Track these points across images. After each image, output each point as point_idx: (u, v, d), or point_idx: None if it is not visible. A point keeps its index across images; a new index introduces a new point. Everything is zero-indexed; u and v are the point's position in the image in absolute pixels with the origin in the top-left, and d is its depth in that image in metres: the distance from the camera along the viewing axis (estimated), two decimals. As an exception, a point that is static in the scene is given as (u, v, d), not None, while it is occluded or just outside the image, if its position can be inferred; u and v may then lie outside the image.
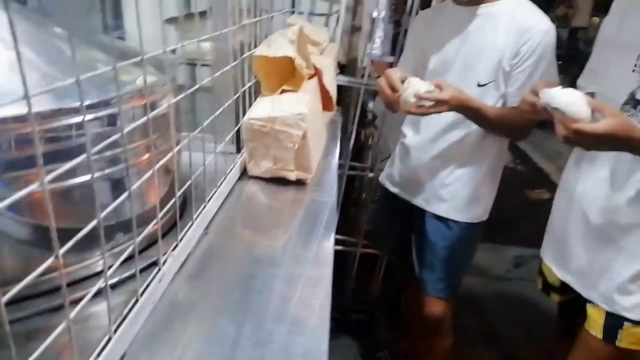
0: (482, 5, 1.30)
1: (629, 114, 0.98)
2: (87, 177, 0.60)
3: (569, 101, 0.90)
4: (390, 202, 1.65)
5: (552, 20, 1.30)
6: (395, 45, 1.99)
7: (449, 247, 1.50)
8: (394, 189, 1.62)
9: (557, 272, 1.27)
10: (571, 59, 6.48)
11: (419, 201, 1.53)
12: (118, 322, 0.55)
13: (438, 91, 1.16)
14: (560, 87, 0.94)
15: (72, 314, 0.44)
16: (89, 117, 0.60)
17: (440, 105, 1.17)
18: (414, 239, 1.59)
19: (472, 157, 1.42)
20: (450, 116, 1.31)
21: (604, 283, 1.12)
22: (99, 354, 0.50)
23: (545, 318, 1.33)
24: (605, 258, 1.11)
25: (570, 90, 0.92)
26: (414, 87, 1.15)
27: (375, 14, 1.94)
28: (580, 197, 1.15)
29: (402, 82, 1.18)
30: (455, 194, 1.46)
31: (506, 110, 1.32)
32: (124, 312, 0.57)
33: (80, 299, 0.49)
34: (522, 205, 3.75)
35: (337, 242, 2.15)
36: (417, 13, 1.80)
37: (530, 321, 2.36)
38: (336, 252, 2.14)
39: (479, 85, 1.32)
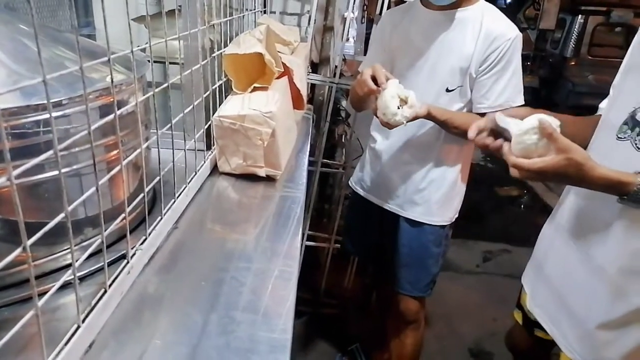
0: (451, 10, 1.31)
1: (624, 135, 0.92)
2: (54, 173, 0.62)
3: (521, 129, 0.86)
4: (361, 206, 1.65)
5: (521, 21, 1.33)
6: (368, 44, 2.03)
7: (425, 249, 1.53)
8: (365, 194, 1.63)
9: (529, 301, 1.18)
10: (539, 59, 6.71)
11: (392, 206, 1.55)
12: (86, 311, 0.57)
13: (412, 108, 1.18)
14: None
15: (40, 303, 0.45)
16: (56, 114, 0.61)
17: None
18: (388, 242, 1.60)
19: (443, 160, 1.45)
20: (419, 121, 1.32)
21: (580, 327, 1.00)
22: (67, 342, 0.52)
23: (510, 311, 1.35)
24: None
25: (529, 118, 0.87)
26: (398, 113, 1.17)
27: (347, 14, 1.97)
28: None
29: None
30: (429, 198, 1.48)
31: (470, 118, 1.28)
32: (92, 302, 0.58)
33: (49, 291, 0.51)
34: (491, 201, 3.86)
35: (310, 238, 2.19)
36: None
37: (496, 315, 2.45)
38: (309, 248, 2.20)
39: (448, 91, 1.34)
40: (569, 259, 1.05)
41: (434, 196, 1.48)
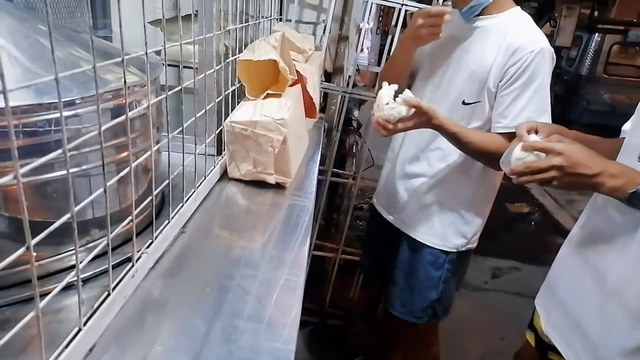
0: (480, 16, 1.22)
1: None
2: (63, 172, 0.61)
3: (515, 156, 0.92)
4: (374, 218, 1.61)
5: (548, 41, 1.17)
6: (382, 56, 2.02)
7: (422, 271, 1.43)
8: (376, 205, 1.58)
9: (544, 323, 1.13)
10: (553, 77, 6.66)
11: (396, 221, 1.48)
12: (88, 314, 0.56)
13: (403, 107, 1.10)
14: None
15: (42, 304, 0.45)
16: (67, 113, 0.61)
17: (405, 121, 1.12)
18: (390, 258, 1.53)
19: (454, 180, 1.34)
20: (433, 134, 1.24)
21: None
22: (67, 345, 0.51)
23: (518, 330, 1.32)
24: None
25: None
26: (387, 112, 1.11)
27: (362, 25, 1.96)
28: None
29: None
30: (432, 217, 1.38)
31: (488, 137, 1.22)
32: (95, 305, 0.57)
33: (52, 292, 0.50)
34: (502, 217, 3.81)
35: (317, 247, 2.17)
36: (404, 25, 1.84)
37: (504, 334, 2.40)
38: (316, 257, 2.17)
39: (464, 104, 1.25)
40: (583, 282, 1.02)
41: (438, 217, 1.38)
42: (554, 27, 6.03)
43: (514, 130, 1.10)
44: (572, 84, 6.40)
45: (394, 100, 1.11)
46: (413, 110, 1.10)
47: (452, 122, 1.18)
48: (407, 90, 1.12)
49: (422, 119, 1.12)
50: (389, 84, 1.13)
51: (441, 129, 1.17)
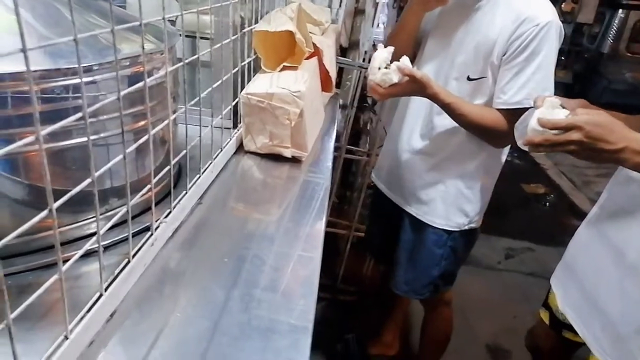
0: None
1: None
2: (82, 139, 0.61)
3: (531, 127, 0.89)
4: (377, 198, 1.60)
5: (558, 15, 1.15)
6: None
7: (425, 249, 1.43)
8: (380, 185, 1.56)
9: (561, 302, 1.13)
10: (574, 54, 6.49)
11: (398, 199, 1.46)
12: (109, 280, 0.56)
13: (395, 75, 1.10)
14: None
15: (65, 267, 0.45)
16: (85, 79, 0.60)
17: (397, 87, 1.12)
18: (394, 236, 1.52)
19: (457, 157, 1.32)
20: (436, 108, 1.22)
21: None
22: (89, 309, 0.51)
23: (531, 309, 1.31)
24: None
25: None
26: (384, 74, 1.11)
27: (379, -1, 1.92)
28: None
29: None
30: (434, 196, 1.37)
31: (484, 111, 1.19)
32: (115, 272, 0.58)
33: (74, 257, 0.50)
34: (517, 198, 3.77)
35: (330, 224, 2.17)
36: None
37: (517, 313, 2.40)
38: (329, 234, 2.17)
39: (470, 79, 1.22)
40: (602, 259, 1.01)
41: (440, 195, 1.36)
42: (575, 3, 5.83)
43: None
44: (593, 62, 6.23)
45: (390, 63, 1.11)
46: (406, 78, 1.10)
47: (447, 93, 1.16)
48: (404, 58, 1.11)
49: (414, 87, 1.12)
50: (385, 47, 1.13)
51: (435, 99, 1.16)
